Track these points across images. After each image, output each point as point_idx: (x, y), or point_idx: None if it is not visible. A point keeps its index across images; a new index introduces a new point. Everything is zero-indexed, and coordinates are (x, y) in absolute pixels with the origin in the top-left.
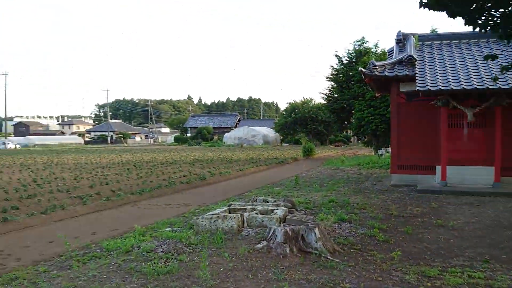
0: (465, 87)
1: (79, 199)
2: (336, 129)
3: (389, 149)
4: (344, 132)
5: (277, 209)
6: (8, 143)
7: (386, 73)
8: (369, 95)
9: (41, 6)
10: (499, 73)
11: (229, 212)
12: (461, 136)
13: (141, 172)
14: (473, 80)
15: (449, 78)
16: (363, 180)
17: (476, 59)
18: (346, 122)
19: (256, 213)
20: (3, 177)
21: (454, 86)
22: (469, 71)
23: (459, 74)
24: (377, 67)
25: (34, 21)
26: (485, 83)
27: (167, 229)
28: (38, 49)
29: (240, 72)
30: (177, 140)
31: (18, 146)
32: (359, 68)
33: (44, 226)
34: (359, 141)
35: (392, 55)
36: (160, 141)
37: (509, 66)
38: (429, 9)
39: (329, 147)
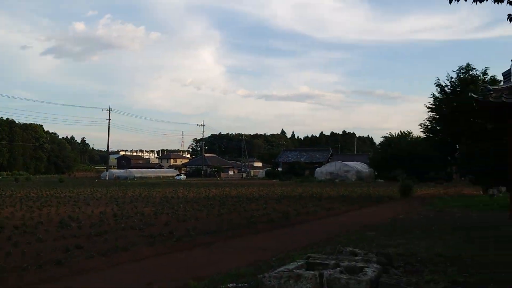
0: None
1: (150, 238)
2: (437, 164)
3: (503, 189)
4: (448, 168)
5: (367, 266)
6: (106, 174)
7: (504, 99)
8: (478, 128)
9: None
10: None
11: (307, 268)
12: None
13: (224, 209)
14: None
15: None
16: (475, 226)
17: None
18: (449, 158)
19: (341, 271)
20: (87, 210)
21: None
22: None
23: None
24: (492, 92)
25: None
26: None
27: (230, 285)
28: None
29: (333, 105)
30: (268, 174)
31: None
32: (470, 94)
33: (98, 272)
34: (463, 178)
35: (510, 79)
36: (252, 175)
37: None
38: None
39: (428, 184)
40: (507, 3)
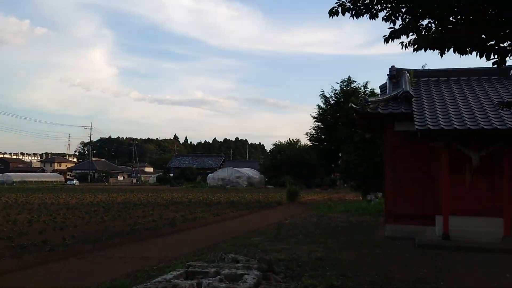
0: (471, 127)
1: (19, 248)
2: (322, 171)
3: (379, 194)
4: (331, 175)
5: (248, 273)
6: None
7: (380, 110)
8: (358, 137)
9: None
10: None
11: (186, 277)
12: (464, 182)
13: (107, 215)
14: (478, 120)
15: (451, 116)
16: (353, 230)
17: (479, 97)
18: (333, 165)
19: (220, 280)
20: None
21: (457, 125)
22: (473, 110)
23: (462, 113)
24: (369, 103)
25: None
26: (493, 123)
27: None
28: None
29: (227, 111)
30: (159, 180)
31: None
32: (350, 104)
33: None
34: (345, 185)
35: (386, 91)
36: (143, 180)
37: None
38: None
39: (315, 190)
40: (382, 20)
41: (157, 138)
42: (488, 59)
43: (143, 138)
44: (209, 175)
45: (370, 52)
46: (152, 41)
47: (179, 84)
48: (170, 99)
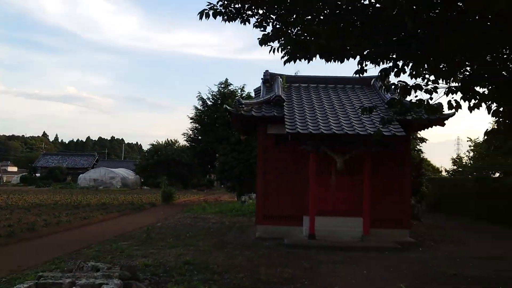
0: (336, 131)
1: None
2: (199, 172)
3: (253, 195)
4: (208, 176)
5: (107, 283)
6: None
7: (253, 113)
8: (234, 139)
9: None
10: (379, 124)
11: None
12: (330, 184)
13: None
14: (343, 125)
15: (319, 121)
16: (225, 232)
17: (344, 104)
18: (209, 166)
19: None
20: None
21: (324, 130)
22: (338, 115)
23: (328, 119)
24: (243, 106)
25: None
26: (356, 129)
27: None
28: None
29: (102, 109)
30: (24, 180)
31: None
32: (224, 106)
33: None
34: (222, 186)
35: (260, 95)
36: (5, 180)
37: (391, 118)
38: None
39: (191, 191)
40: (253, 27)
41: (23, 135)
42: (341, 60)
43: (7, 135)
44: (81, 175)
45: (250, 57)
46: (19, 30)
47: (49, 78)
48: (38, 93)
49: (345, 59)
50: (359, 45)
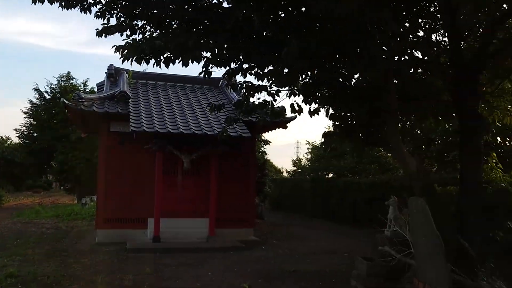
0: (183, 131)
1: None
2: (34, 173)
3: (95, 198)
4: (45, 177)
5: None
6: None
7: (95, 109)
8: (75, 137)
9: None
10: (224, 124)
11: None
12: (176, 184)
13: None
14: (191, 125)
15: (166, 120)
16: (61, 238)
17: (192, 104)
18: (46, 166)
19: None
20: None
21: (171, 129)
22: (186, 115)
23: (176, 117)
24: (83, 100)
25: None
26: (203, 129)
27: None
28: None
29: None
30: None
31: None
32: (62, 99)
33: None
34: (62, 188)
35: (103, 90)
36: None
37: (236, 117)
38: None
39: (25, 193)
40: (95, 16)
41: None
42: (186, 64)
43: None
44: None
45: (97, 51)
46: None
47: None
48: None
49: (189, 62)
50: (200, 48)
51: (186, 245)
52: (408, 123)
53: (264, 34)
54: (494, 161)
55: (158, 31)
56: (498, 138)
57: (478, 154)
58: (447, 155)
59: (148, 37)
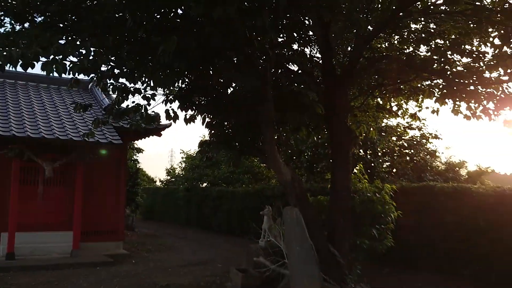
0: (46, 135)
1: None
2: None
3: None
4: None
5: None
6: None
7: None
8: None
9: None
10: (91, 126)
11: None
12: (37, 195)
13: None
14: (55, 129)
15: (25, 123)
16: None
17: (58, 107)
18: None
19: None
20: None
21: (32, 133)
22: (50, 119)
23: (38, 121)
24: None
25: None
26: (69, 134)
27: None
28: None
29: None
30: None
31: None
32: None
33: None
34: None
35: None
36: None
37: (105, 119)
38: None
39: None
40: None
41: None
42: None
43: None
44: None
45: None
46: None
47: None
48: None
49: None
50: (64, 53)
51: (46, 262)
52: (284, 134)
53: (139, 35)
54: (360, 172)
55: (18, 24)
56: (361, 151)
57: (347, 165)
58: (316, 166)
59: (6, 32)
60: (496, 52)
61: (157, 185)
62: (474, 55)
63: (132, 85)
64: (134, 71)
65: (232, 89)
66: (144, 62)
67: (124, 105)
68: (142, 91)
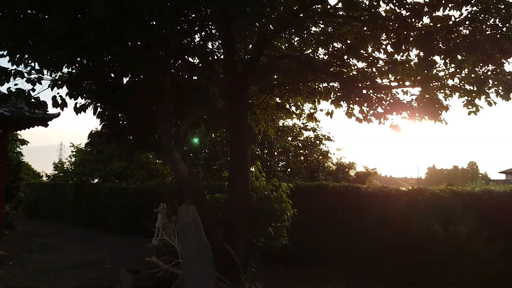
0: None
1: None
2: None
3: None
4: None
5: None
6: None
7: None
8: None
9: None
10: None
11: None
12: None
13: None
14: None
15: None
16: None
17: None
18: None
19: None
20: None
21: None
22: None
23: None
24: None
25: None
26: None
27: None
28: None
29: None
30: None
31: None
32: None
33: None
34: None
35: None
36: None
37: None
38: None
39: None
40: None
41: None
42: None
43: None
44: None
45: None
46: None
47: None
48: None
49: None
50: None
51: None
52: (182, 129)
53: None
54: (258, 170)
55: None
56: (258, 149)
57: (245, 163)
58: (214, 164)
59: None
60: (388, 59)
61: (43, 180)
62: (369, 60)
63: (14, 67)
64: (16, 50)
65: (128, 78)
66: (28, 41)
67: (4, 89)
68: (26, 74)
